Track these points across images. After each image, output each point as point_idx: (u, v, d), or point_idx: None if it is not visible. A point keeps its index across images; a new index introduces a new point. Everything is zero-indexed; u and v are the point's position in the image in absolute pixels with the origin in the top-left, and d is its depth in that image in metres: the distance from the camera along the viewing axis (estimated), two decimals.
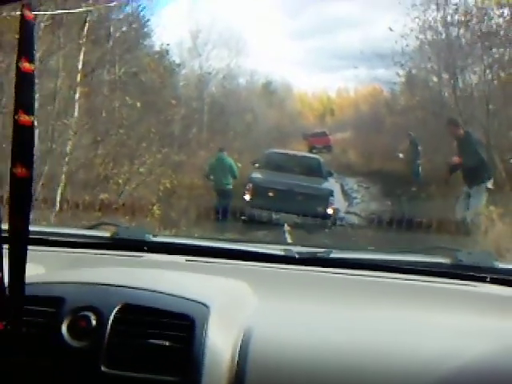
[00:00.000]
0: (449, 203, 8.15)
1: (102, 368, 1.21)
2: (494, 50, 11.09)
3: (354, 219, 10.46)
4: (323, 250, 1.81)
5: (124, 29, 9.91)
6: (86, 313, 1.25)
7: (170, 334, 1.23)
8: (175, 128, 11.77)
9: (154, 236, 1.91)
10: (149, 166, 8.46)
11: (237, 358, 1.22)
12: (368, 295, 1.55)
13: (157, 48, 12.65)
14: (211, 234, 7.07)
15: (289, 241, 7.55)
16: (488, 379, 1.15)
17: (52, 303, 1.28)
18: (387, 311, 1.44)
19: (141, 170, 8.19)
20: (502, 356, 1.20)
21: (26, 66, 1.07)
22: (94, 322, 1.24)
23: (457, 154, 7.54)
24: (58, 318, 1.25)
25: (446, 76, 12.95)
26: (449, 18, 12.29)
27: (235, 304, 1.39)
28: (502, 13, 10.68)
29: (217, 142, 12.84)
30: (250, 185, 9.82)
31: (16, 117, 1.08)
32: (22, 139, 1.09)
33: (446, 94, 12.99)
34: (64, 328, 1.24)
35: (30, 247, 1.50)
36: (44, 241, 1.85)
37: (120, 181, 8.14)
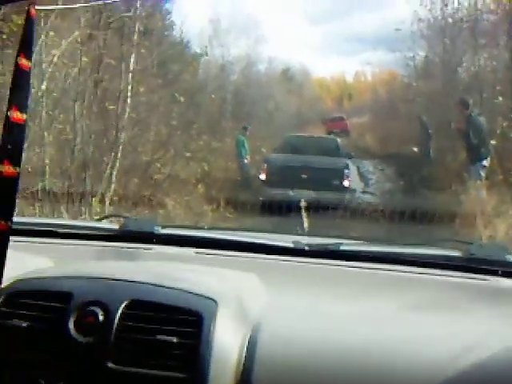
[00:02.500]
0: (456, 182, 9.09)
1: (109, 364, 1.19)
2: None
3: (370, 198, 10.98)
4: (333, 242, 1.78)
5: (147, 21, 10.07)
6: (94, 308, 1.23)
7: (178, 330, 1.21)
8: (208, 118, 12.71)
9: (163, 228, 1.87)
10: (191, 152, 9.66)
11: (244, 354, 1.20)
12: (379, 289, 1.53)
13: (178, 39, 13.36)
14: (240, 213, 7.47)
15: (304, 219, 7.38)
16: (499, 377, 1.12)
17: (60, 298, 1.27)
18: (399, 305, 1.42)
19: (187, 154, 9.42)
20: None
21: (23, 62, 1.04)
22: (101, 318, 1.22)
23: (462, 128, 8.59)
24: (66, 314, 1.24)
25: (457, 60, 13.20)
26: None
27: (244, 298, 1.35)
28: None
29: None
30: (265, 165, 9.98)
31: (9, 113, 1.04)
32: (12, 137, 1.06)
33: (464, 76, 13.49)
34: (71, 323, 1.23)
35: (38, 239, 1.73)
36: (53, 233, 1.86)
37: (159, 165, 9.23)
